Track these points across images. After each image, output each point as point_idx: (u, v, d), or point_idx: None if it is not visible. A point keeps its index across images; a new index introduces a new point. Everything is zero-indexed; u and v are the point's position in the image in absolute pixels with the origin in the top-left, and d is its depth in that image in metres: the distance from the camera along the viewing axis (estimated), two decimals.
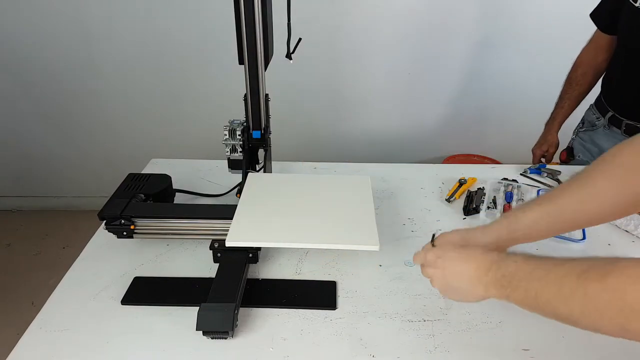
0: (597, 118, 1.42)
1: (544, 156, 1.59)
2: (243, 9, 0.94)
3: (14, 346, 0.79)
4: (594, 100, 1.47)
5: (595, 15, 1.39)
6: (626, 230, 1.07)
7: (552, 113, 1.57)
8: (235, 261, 0.91)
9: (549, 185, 1.27)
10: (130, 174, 1.10)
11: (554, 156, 1.59)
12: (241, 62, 1.01)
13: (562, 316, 0.55)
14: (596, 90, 1.46)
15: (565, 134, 1.57)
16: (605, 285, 0.50)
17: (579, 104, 1.51)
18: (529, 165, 1.35)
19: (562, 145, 1.58)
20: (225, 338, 0.80)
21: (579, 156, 1.50)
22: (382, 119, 2.34)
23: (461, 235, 0.77)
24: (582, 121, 1.50)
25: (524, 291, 0.58)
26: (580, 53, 1.48)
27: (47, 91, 2.21)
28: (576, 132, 1.53)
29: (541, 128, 1.61)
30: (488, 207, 1.15)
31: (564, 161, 1.58)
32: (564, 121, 1.54)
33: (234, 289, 0.84)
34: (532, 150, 1.61)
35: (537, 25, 2.06)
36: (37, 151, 2.39)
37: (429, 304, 0.88)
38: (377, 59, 2.16)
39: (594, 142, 1.44)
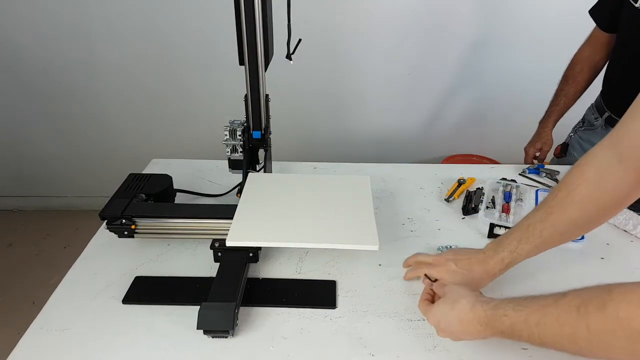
0: (596, 118, 1.42)
1: (535, 157, 1.56)
2: (243, 9, 0.94)
3: (15, 346, 0.79)
4: (594, 101, 1.47)
5: (594, 12, 1.38)
6: (625, 230, 1.08)
7: (546, 110, 1.55)
8: (236, 261, 0.91)
9: (548, 185, 1.27)
10: (131, 174, 1.11)
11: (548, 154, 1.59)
12: (241, 62, 1.01)
13: (573, 352, 0.55)
14: (596, 90, 1.46)
15: (560, 132, 1.57)
16: (607, 315, 0.49)
17: (574, 102, 1.50)
18: (527, 166, 1.36)
19: (557, 143, 1.58)
20: (226, 337, 0.80)
21: (573, 155, 1.50)
22: (382, 119, 2.34)
23: (459, 273, 0.83)
24: (583, 120, 1.50)
25: (528, 338, 0.59)
26: (578, 50, 1.47)
27: (48, 91, 2.22)
28: (575, 129, 1.52)
29: None
30: (487, 207, 1.15)
31: (557, 155, 1.56)
32: (559, 119, 1.53)
33: (235, 288, 0.84)
34: (525, 149, 1.57)
35: (536, 25, 2.06)
36: (37, 151, 2.40)
37: None
38: (376, 59, 2.16)
39: (591, 141, 1.44)
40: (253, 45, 0.98)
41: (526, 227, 0.79)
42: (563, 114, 1.52)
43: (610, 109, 1.36)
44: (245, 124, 1.10)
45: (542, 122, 1.56)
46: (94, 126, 2.33)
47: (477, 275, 0.82)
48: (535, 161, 1.57)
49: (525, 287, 0.91)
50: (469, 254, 0.86)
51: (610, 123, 1.36)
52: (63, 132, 2.35)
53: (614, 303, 0.49)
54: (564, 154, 1.53)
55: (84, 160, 2.43)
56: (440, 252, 1.01)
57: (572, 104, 1.51)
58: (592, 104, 1.47)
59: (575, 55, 1.48)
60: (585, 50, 1.45)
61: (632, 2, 1.20)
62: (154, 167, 1.36)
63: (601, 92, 1.43)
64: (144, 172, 1.27)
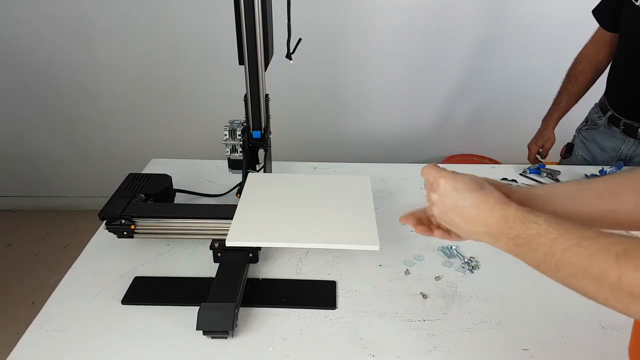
0: (599, 117, 1.42)
1: (539, 153, 1.59)
2: (243, 9, 0.94)
3: (14, 346, 0.79)
4: (598, 100, 1.47)
5: (597, 12, 1.39)
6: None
7: (549, 109, 1.57)
8: (236, 261, 0.91)
9: None
10: (130, 174, 1.10)
11: (551, 152, 1.59)
12: (241, 62, 1.01)
13: (584, 291, 0.49)
14: (601, 90, 1.46)
15: (562, 130, 1.57)
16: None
17: (577, 101, 1.51)
18: (528, 166, 1.35)
19: (560, 142, 1.58)
20: (226, 338, 0.80)
21: (577, 152, 1.50)
22: (382, 119, 2.34)
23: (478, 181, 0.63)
24: (586, 120, 1.51)
25: (544, 256, 0.51)
26: (582, 49, 1.48)
27: (48, 91, 2.21)
28: (579, 129, 1.53)
29: None
30: None
31: (562, 156, 1.58)
32: (561, 117, 1.54)
33: (234, 289, 0.84)
34: (528, 146, 1.60)
35: (537, 25, 2.06)
36: (37, 151, 2.39)
37: (429, 304, 0.88)
38: (376, 58, 2.16)
39: (595, 140, 1.44)
40: (253, 45, 0.98)
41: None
42: (565, 112, 1.53)
43: (614, 107, 1.36)
44: (245, 123, 1.09)
45: (545, 120, 1.58)
46: (94, 126, 2.33)
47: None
48: (538, 157, 1.58)
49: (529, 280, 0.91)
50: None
51: (613, 122, 1.36)
52: (63, 132, 2.34)
53: None
54: (569, 154, 1.54)
55: (84, 160, 2.43)
56: (440, 251, 1.01)
57: (575, 103, 1.51)
58: (596, 104, 1.47)
59: (578, 54, 1.48)
60: (588, 49, 1.45)
61: (633, 1, 1.20)
62: (154, 167, 1.35)
63: (605, 91, 1.43)
64: (143, 172, 1.27)
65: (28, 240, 2.36)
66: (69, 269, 0.96)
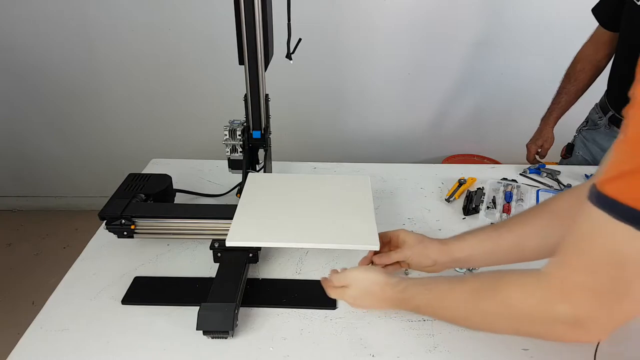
0: (600, 117, 1.42)
1: (538, 153, 1.59)
2: (243, 9, 0.94)
3: (14, 346, 0.79)
4: (598, 100, 1.47)
5: (596, 11, 1.39)
6: None
7: (548, 108, 1.56)
8: (236, 261, 0.91)
9: (549, 185, 1.27)
10: (130, 174, 1.10)
11: (550, 152, 1.59)
12: (241, 62, 1.01)
13: (467, 327, 0.69)
14: (601, 90, 1.46)
15: (562, 130, 1.57)
16: (497, 301, 0.57)
17: (576, 100, 1.51)
18: (528, 166, 1.35)
19: (560, 142, 1.58)
20: (226, 338, 0.80)
21: (578, 153, 1.50)
22: (382, 119, 2.34)
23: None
24: (587, 120, 1.51)
25: (432, 315, 0.69)
26: (581, 48, 1.47)
27: (48, 91, 2.21)
28: (579, 130, 1.53)
29: None
30: (487, 207, 1.15)
31: (563, 157, 1.58)
32: (560, 117, 1.54)
33: (234, 289, 0.84)
34: (527, 146, 1.60)
35: (537, 25, 2.06)
36: (37, 151, 2.39)
37: None
38: (376, 59, 2.16)
39: (595, 141, 1.44)
40: (253, 44, 0.98)
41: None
42: (565, 111, 1.53)
43: (615, 108, 1.36)
44: (245, 123, 1.09)
45: (544, 120, 1.58)
46: (94, 126, 2.33)
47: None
48: (537, 156, 1.58)
49: None
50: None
51: (614, 122, 1.36)
52: (63, 132, 2.34)
53: (503, 290, 0.57)
54: (570, 154, 1.54)
55: (84, 160, 2.43)
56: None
57: (574, 102, 1.51)
58: (596, 104, 1.47)
59: (578, 53, 1.48)
60: (587, 48, 1.45)
61: (634, 0, 1.20)
62: (154, 167, 1.35)
63: (606, 91, 1.43)
64: (143, 172, 1.27)
65: (28, 240, 2.36)
66: (69, 269, 0.96)
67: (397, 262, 0.84)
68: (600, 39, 1.40)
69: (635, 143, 0.45)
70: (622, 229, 0.44)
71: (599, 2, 1.38)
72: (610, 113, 1.37)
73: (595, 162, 1.45)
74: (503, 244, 0.76)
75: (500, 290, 0.57)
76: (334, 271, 0.80)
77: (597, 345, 0.75)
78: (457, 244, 0.80)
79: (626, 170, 0.45)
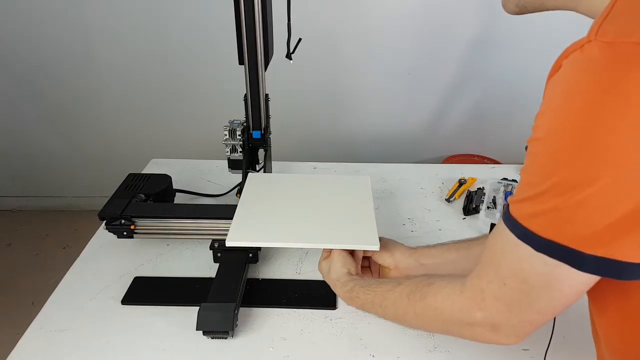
0: None
1: None
2: (243, 9, 0.94)
3: (14, 346, 0.79)
4: None
5: None
6: None
7: None
8: (236, 261, 0.91)
9: None
10: (130, 174, 1.10)
11: None
12: (241, 62, 1.01)
13: (404, 325, 0.72)
14: None
15: None
16: (427, 304, 0.62)
17: None
18: None
19: None
20: (225, 338, 0.80)
21: None
22: (382, 119, 2.34)
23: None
24: None
25: (375, 313, 0.72)
26: None
27: (47, 91, 2.21)
28: None
29: None
30: (488, 207, 1.15)
31: None
32: None
33: (234, 289, 0.84)
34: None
35: (537, 24, 2.06)
36: (37, 151, 2.39)
37: None
38: (376, 58, 2.16)
39: None
40: (253, 44, 0.98)
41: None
42: None
43: None
44: (245, 123, 1.09)
45: None
46: (94, 126, 2.33)
47: None
48: None
49: None
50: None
51: None
52: (63, 132, 2.34)
53: (432, 295, 0.61)
54: None
55: (84, 160, 2.43)
56: None
57: None
58: None
59: None
60: None
61: None
62: (154, 167, 1.35)
63: None
64: (143, 172, 1.27)
65: (28, 240, 2.36)
66: (68, 269, 0.96)
67: (367, 267, 0.87)
68: None
69: (536, 168, 0.51)
70: (523, 249, 0.47)
71: None
72: None
73: None
74: (470, 255, 0.78)
75: (429, 296, 0.61)
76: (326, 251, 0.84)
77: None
78: (426, 250, 0.82)
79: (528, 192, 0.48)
